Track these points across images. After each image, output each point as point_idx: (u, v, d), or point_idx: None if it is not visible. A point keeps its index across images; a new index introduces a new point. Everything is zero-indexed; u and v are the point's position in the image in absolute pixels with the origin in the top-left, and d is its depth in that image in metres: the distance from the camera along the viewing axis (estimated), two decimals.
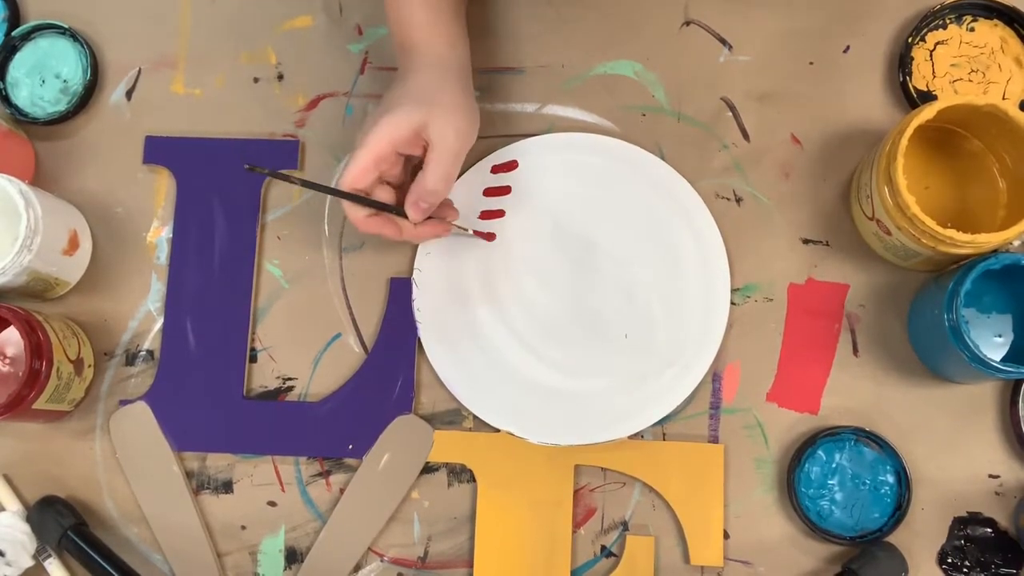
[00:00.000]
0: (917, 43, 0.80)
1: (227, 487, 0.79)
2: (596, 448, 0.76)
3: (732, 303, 0.78)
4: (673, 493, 0.76)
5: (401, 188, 0.74)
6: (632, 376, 0.77)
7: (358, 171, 0.70)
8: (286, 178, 0.72)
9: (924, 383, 0.77)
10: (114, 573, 0.74)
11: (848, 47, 0.81)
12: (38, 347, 0.74)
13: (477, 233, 0.79)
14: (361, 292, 0.81)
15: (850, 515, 0.75)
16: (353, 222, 0.73)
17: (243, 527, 0.78)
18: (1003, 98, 0.79)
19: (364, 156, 0.70)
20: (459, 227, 0.77)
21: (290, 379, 0.80)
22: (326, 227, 0.82)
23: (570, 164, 0.80)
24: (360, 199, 0.71)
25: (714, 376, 0.78)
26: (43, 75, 0.84)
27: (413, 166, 0.74)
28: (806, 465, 0.75)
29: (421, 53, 0.74)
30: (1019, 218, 0.67)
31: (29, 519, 0.77)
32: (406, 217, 0.73)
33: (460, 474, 0.78)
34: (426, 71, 0.73)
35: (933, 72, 0.79)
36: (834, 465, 0.75)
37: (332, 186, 0.73)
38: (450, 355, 0.78)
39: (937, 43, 0.80)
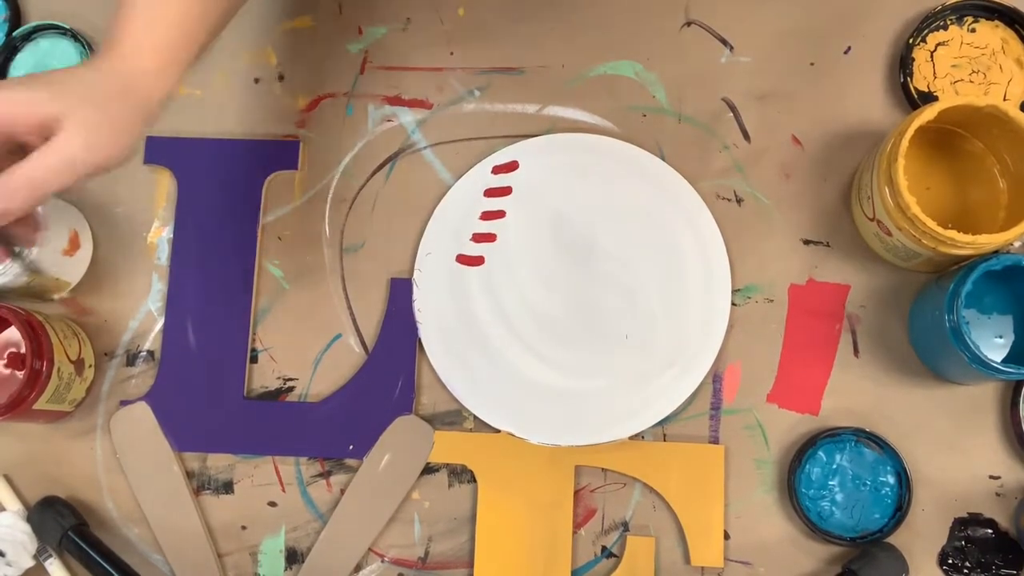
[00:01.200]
0: (918, 44, 0.80)
1: (228, 487, 0.79)
2: (596, 449, 0.76)
3: (733, 304, 0.78)
4: (673, 494, 0.76)
5: None
6: (632, 377, 0.77)
7: None
8: None
9: (925, 384, 0.77)
10: (114, 573, 0.74)
11: (849, 48, 0.81)
12: (38, 347, 0.74)
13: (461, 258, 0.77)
14: (361, 292, 0.81)
15: (850, 516, 0.75)
16: None
17: (244, 527, 0.78)
18: (1004, 99, 0.79)
19: None
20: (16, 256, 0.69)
21: (291, 379, 0.80)
22: (326, 227, 0.82)
23: (571, 165, 0.80)
24: None
25: (715, 377, 0.78)
26: None
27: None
28: (806, 466, 0.75)
29: (116, 52, 0.62)
30: (1020, 219, 0.67)
31: (29, 519, 0.77)
32: None
33: (460, 475, 0.78)
34: (104, 72, 0.61)
35: (934, 73, 0.79)
36: (835, 466, 0.75)
37: None
38: (450, 355, 0.78)
39: (938, 44, 0.80)
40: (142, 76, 0.62)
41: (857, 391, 0.77)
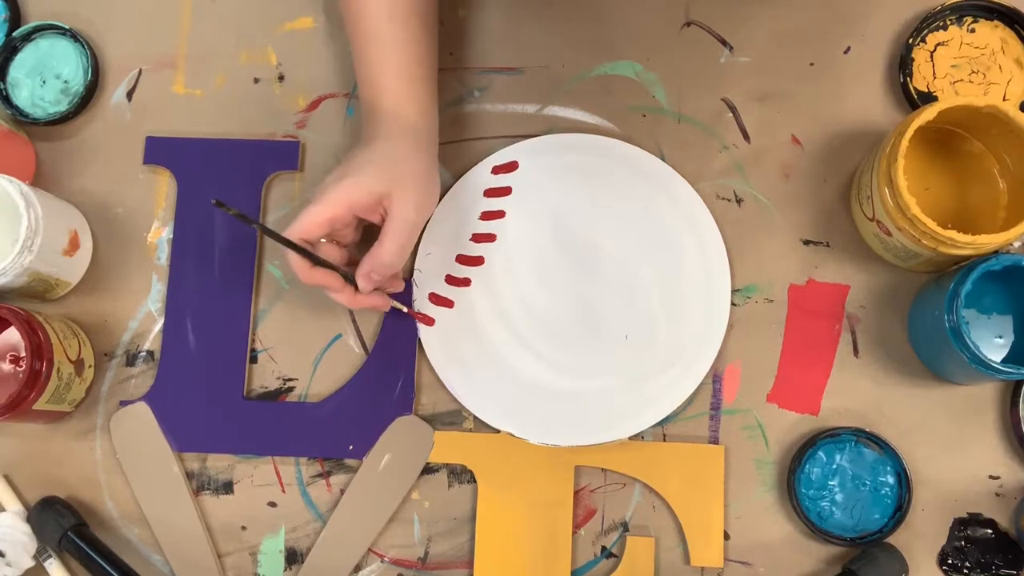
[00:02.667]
0: (917, 44, 0.80)
1: (227, 488, 0.79)
2: (596, 449, 0.76)
3: (733, 304, 0.78)
4: (673, 494, 0.76)
5: (347, 249, 0.74)
6: (632, 377, 0.77)
7: (310, 224, 0.69)
8: (248, 222, 0.68)
9: (924, 384, 0.77)
10: (114, 574, 0.74)
11: (848, 48, 0.81)
12: (38, 348, 0.74)
13: (413, 314, 0.78)
14: None
15: (850, 516, 0.75)
16: (296, 271, 0.71)
17: (243, 528, 0.78)
18: (1003, 99, 0.79)
19: (320, 212, 0.69)
20: (396, 305, 0.77)
21: (290, 380, 0.80)
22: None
23: (570, 165, 0.80)
24: (313, 257, 0.70)
25: (714, 377, 0.78)
26: (44, 76, 0.84)
27: (364, 227, 0.75)
28: (806, 466, 0.75)
29: (390, 120, 0.73)
30: (1019, 219, 0.67)
31: (29, 519, 0.77)
32: (354, 284, 0.72)
33: (460, 475, 0.78)
34: (394, 139, 0.72)
35: (934, 73, 0.79)
36: (834, 466, 0.75)
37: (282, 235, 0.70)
38: (450, 356, 0.78)
39: (937, 44, 0.80)
40: (417, 132, 0.73)
41: (857, 391, 0.77)
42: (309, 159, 0.83)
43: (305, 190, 0.82)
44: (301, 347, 0.80)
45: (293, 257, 0.71)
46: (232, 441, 0.79)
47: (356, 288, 0.73)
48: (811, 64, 0.81)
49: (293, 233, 0.69)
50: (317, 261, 0.71)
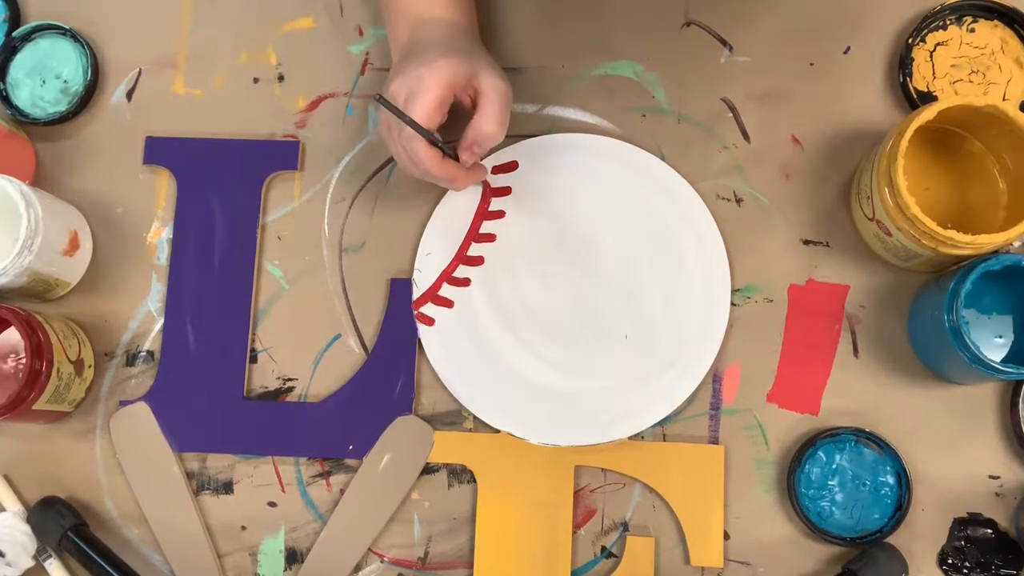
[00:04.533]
0: (917, 44, 0.80)
1: (227, 488, 0.79)
2: (596, 449, 0.76)
3: (732, 304, 0.78)
4: (673, 494, 0.76)
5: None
6: (632, 377, 0.77)
7: (430, 111, 0.70)
8: (399, 112, 0.70)
9: (924, 384, 0.77)
10: (114, 574, 0.74)
11: (848, 48, 0.81)
12: (38, 348, 0.74)
13: (496, 171, 0.80)
14: (361, 292, 0.81)
15: (850, 516, 0.75)
16: (427, 165, 0.72)
17: (243, 528, 0.78)
18: (1003, 99, 0.79)
19: (432, 96, 0.70)
20: (489, 177, 0.79)
21: (290, 379, 0.80)
22: (326, 227, 0.82)
23: (570, 165, 0.80)
24: (429, 135, 0.71)
25: (714, 377, 0.78)
26: (44, 76, 0.84)
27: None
28: (806, 466, 0.75)
29: (439, 23, 0.75)
30: (1019, 219, 0.67)
31: (29, 519, 0.77)
32: (457, 160, 0.74)
33: (460, 475, 0.78)
34: (454, 34, 0.74)
35: (933, 73, 0.79)
36: (834, 466, 0.75)
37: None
38: (450, 356, 0.78)
39: (937, 44, 0.80)
40: (466, 27, 0.76)
41: (857, 391, 0.77)
42: (309, 159, 0.83)
43: (305, 190, 0.82)
44: (301, 347, 0.80)
45: (424, 152, 0.71)
46: (232, 441, 0.79)
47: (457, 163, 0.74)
48: (811, 64, 0.81)
49: (418, 120, 0.70)
50: (434, 141, 0.72)
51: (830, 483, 0.75)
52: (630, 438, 0.77)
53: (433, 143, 0.71)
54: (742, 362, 0.78)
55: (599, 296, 0.78)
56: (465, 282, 0.79)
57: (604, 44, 0.82)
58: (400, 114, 0.70)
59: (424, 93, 0.70)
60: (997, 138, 0.73)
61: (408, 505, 0.78)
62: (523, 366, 0.78)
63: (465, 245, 0.80)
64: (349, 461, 0.78)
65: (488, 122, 0.72)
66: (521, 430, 0.77)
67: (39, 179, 0.83)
